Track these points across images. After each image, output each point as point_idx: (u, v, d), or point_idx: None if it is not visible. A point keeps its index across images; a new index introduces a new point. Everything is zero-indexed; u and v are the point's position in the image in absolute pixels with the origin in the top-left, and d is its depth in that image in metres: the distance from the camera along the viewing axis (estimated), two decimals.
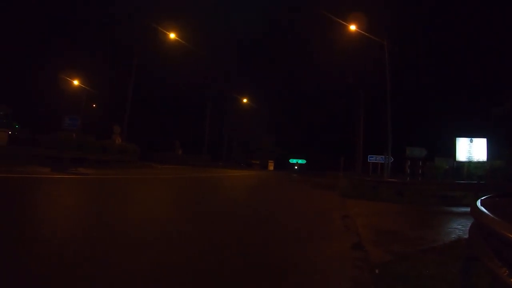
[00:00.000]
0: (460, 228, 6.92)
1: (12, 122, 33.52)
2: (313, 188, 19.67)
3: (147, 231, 4.87)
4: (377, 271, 3.77)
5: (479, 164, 23.29)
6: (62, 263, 3.12)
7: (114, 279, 2.87)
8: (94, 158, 19.87)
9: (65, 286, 2.66)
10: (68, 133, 22.35)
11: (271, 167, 55.99)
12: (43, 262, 3.10)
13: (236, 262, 3.72)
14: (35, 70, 38.81)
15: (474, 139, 23.70)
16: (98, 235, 4.35)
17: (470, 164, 23.46)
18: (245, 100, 53.25)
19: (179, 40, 30.14)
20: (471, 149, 23.41)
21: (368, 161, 45.76)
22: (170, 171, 23.35)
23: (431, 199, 13.24)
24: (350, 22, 23.25)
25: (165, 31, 28.89)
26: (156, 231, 4.90)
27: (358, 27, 23.25)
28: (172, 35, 29.22)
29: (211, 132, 50.48)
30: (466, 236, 5.01)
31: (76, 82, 34.46)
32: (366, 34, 23.09)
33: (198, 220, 6.27)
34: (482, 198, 4.10)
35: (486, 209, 3.09)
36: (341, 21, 23.81)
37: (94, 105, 42.71)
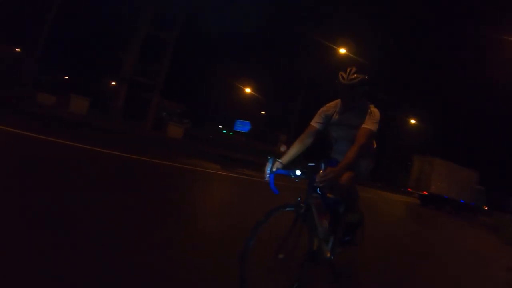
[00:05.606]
0: None
1: (187, 119, 35.86)
2: None
3: None
4: None
5: None
6: None
7: None
8: (259, 162, 19.42)
9: None
10: (239, 136, 22.75)
11: None
12: None
13: None
14: (208, 76, 43.16)
15: None
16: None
17: None
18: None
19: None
20: None
21: None
22: None
23: None
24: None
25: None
26: None
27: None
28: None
29: None
30: None
31: (248, 90, 36.20)
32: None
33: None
34: None
35: None
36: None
37: (263, 112, 44.35)
